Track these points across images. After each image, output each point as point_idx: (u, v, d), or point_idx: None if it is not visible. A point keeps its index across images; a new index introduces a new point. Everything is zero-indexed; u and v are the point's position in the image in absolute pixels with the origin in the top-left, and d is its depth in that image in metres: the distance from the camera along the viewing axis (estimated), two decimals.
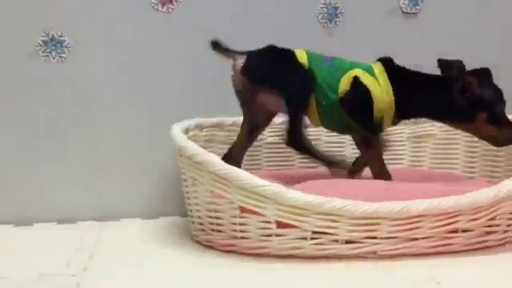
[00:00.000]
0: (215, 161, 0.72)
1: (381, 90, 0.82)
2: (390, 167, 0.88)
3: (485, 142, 0.91)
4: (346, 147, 0.99)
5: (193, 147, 0.75)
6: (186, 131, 0.88)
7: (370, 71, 0.85)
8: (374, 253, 0.71)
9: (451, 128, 0.98)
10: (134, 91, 1.00)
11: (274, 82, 0.83)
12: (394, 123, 0.85)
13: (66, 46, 0.98)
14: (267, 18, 1.03)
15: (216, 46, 0.87)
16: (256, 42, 1.05)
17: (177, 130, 0.81)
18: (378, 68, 0.85)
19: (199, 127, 0.92)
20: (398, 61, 0.90)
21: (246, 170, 0.97)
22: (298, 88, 0.82)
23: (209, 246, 0.77)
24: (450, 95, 0.80)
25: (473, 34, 1.11)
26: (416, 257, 0.71)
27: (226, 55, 0.87)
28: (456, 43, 1.11)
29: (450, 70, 0.83)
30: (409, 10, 1.07)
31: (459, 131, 0.97)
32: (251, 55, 0.85)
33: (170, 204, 0.99)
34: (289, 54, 0.85)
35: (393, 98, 0.82)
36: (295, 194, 0.69)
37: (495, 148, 0.89)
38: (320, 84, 0.83)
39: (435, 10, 1.08)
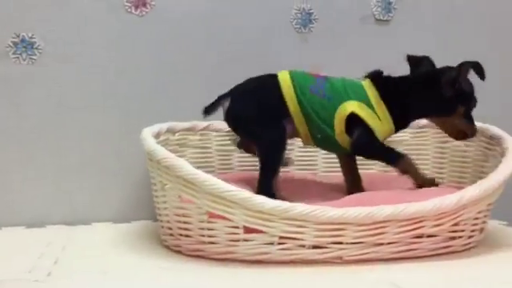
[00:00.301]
0: (183, 165, 0.72)
1: (381, 123, 0.82)
2: (361, 172, 0.89)
3: (453, 148, 0.94)
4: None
5: (161, 151, 0.75)
6: (158, 135, 0.88)
7: (366, 101, 0.83)
8: (340, 258, 0.71)
9: (421, 134, 1.02)
10: (106, 94, 0.99)
11: (250, 133, 0.83)
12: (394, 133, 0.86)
13: (36, 48, 0.97)
14: (241, 23, 1.03)
15: (207, 112, 0.86)
16: (230, 47, 1.07)
17: (146, 133, 0.81)
18: (372, 93, 0.83)
19: (171, 131, 0.92)
20: (372, 68, 0.92)
21: (219, 173, 1.01)
22: (270, 149, 0.81)
23: (177, 251, 0.77)
24: (438, 88, 0.82)
25: (445, 42, 1.14)
26: (381, 262, 0.72)
27: (217, 108, 0.86)
28: (428, 50, 1.11)
29: (419, 65, 0.86)
30: (381, 17, 1.08)
31: (429, 137, 1.00)
32: (233, 100, 0.84)
33: (143, 208, 0.99)
34: (271, 90, 0.82)
35: (392, 125, 0.83)
36: (262, 200, 0.69)
37: (462, 155, 0.92)
38: (311, 116, 0.82)
39: (408, 17, 1.10)
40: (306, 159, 1.00)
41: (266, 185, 0.80)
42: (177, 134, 0.94)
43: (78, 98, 0.98)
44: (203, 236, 0.73)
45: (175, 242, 0.77)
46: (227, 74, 1.07)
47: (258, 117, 0.82)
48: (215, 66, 1.03)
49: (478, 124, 0.89)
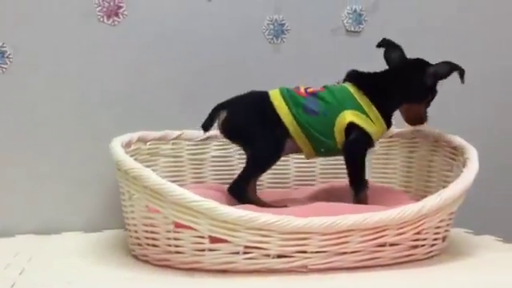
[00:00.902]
0: (150, 175, 0.73)
1: (375, 126, 0.86)
2: (331, 182, 0.92)
3: (420, 158, 0.96)
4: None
5: (129, 161, 0.75)
6: (128, 144, 0.89)
7: (359, 108, 0.86)
8: (305, 267, 0.72)
9: (391, 144, 1.03)
10: (78, 103, 1.00)
11: (244, 142, 0.86)
12: None
13: (7, 57, 0.96)
14: (214, 34, 1.05)
15: (205, 128, 0.88)
16: (202, 58, 1.07)
17: (116, 143, 0.81)
18: (362, 99, 0.86)
19: (142, 140, 0.93)
20: (342, 78, 0.94)
21: (192, 183, 1.01)
22: (263, 156, 0.84)
23: (145, 261, 0.77)
24: (421, 76, 0.88)
25: (414, 54, 1.16)
26: (345, 270, 0.73)
27: (215, 121, 0.88)
28: None
29: (394, 49, 0.93)
30: (352, 29, 1.10)
31: (397, 147, 1.01)
32: (229, 112, 0.86)
33: (115, 217, 0.98)
34: (265, 106, 0.85)
35: (384, 124, 0.86)
36: (227, 210, 0.70)
37: (429, 164, 0.93)
38: (313, 134, 0.85)
39: (378, 29, 1.12)
40: (278, 174, 1.00)
41: (244, 180, 0.84)
42: (148, 144, 0.94)
43: (48, 107, 0.98)
44: (170, 246, 0.74)
45: (143, 252, 0.77)
46: (200, 84, 1.08)
47: (257, 129, 0.84)
48: (188, 76, 1.04)
49: (441, 134, 0.92)
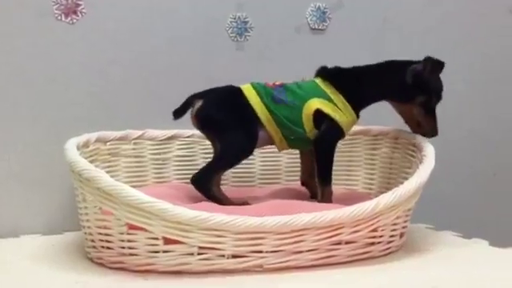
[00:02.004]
0: (102, 177, 0.71)
1: (343, 115, 0.86)
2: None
3: (382, 155, 0.97)
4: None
5: (81, 163, 0.74)
6: (86, 145, 0.87)
7: (324, 96, 0.87)
8: (261, 266, 0.72)
9: (354, 141, 1.03)
10: (35, 103, 0.97)
11: (217, 133, 0.86)
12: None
13: None
14: (176, 31, 1.03)
15: (177, 114, 0.88)
16: (164, 56, 1.06)
17: (71, 144, 0.80)
18: (328, 89, 0.87)
19: (102, 140, 0.91)
20: (307, 75, 0.93)
21: (154, 183, 1.00)
22: (236, 149, 0.84)
23: (100, 264, 0.76)
24: (402, 75, 0.87)
25: (378, 51, 1.16)
26: (301, 269, 0.73)
27: (188, 109, 0.87)
28: (362, 59, 1.15)
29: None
30: (316, 26, 1.10)
31: (360, 145, 1.02)
32: (205, 101, 0.86)
33: (75, 219, 0.96)
34: (239, 98, 0.85)
35: (354, 115, 0.87)
36: (180, 210, 0.69)
37: (390, 161, 0.94)
38: (283, 122, 0.85)
39: (342, 26, 1.12)
40: (242, 171, 1.00)
41: (210, 172, 0.83)
42: (108, 144, 0.93)
43: (5, 107, 0.96)
44: (124, 248, 0.73)
45: (98, 255, 0.76)
46: (161, 82, 1.07)
47: (231, 120, 0.85)
48: (149, 75, 1.03)
49: (402, 131, 0.92)
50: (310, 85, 0.88)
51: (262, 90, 0.87)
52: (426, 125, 0.89)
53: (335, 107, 0.86)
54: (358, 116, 0.89)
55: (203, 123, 0.87)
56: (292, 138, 0.86)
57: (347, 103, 0.86)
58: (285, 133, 0.86)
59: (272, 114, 0.85)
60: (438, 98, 0.89)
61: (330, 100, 0.86)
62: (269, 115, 0.85)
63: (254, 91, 0.86)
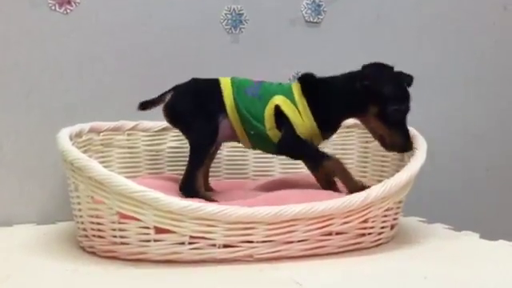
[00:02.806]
0: (94, 166, 0.72)
1: (301, 118, 0.82)
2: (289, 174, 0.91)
3: (375, 148, 0.95)
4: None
5: (73, 152, 0.74)
6: (79, 135, 0.87)
7: (291, 97, 0.85)
8: (251, 256, 0.72)
9: (348, 134, 1.03)
10: (29, 93, 0.97)
11: (184, 126, 0.86)
12: (326, 138, 0.86)
13: None
14: (171, 23, 1.03)
15: (144, 106, 0.88)
16: (159, 47, 1.06)
17: (63, 133, 0.80)
18: (297, 91, 0.85)
19: (95, 131, 0.91)
20: (301, 68, 0.94)
21: (147, 173, 1.00)
22: (199, 142, 0.83)
23: (92, 252, 0.76)
24: (352, 84, 0.81)
25: (373, 44, 1.17)
26: (292, 259, 0.73)
27: (158, 104, 0.87)
28: (357, 53, 1.15)
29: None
30: (311, 19, 1.10)
31: (354, 137, 1.02)
32: (174, 94, 0.87)
33: (68, 209, 0.96)
34: (212, 90, 0.85)
35: (313, 122, 0.83)
36: (171, 200, 0.69)
37: (383, 154, 0.92)
38: (244, 114, 0.84)
39: (337, 20, 1.13)
40: (236, 164, 1.00)
41: (191, 175, 0.83)
42: (101, 134, 0.93)
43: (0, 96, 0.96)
44: (115, 237, 0.73)
45: (89, 244, 0.76)
46: (156, 74, 1.07)
47: (193, 111, 0.84)
48: (143, 66, 1.03)
49: None
50: (285, 86, 0.88)
51: (239, 83, 0.86)
52: (389, 139, 0.82)
53: (295, 109, 0.83)
54: (322, 128, 0.83)
55: (170, 117, 0.88)
56: (252, 133, 0.84)
57: (308, 108, 0.83)
58: (246, 127, 0.84)
59: (237, 105, 0.84)
60: (400, 106, 0.81)
61: (293, 101, 0.84)
62: (233, 106, 0.84)
63: (229, 83, 0.86)
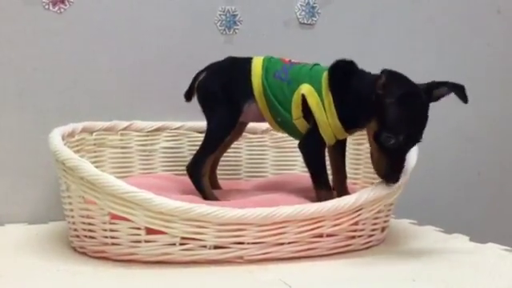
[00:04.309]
0: (86, 166, 0.72)
1: (325, 114, 0.76)
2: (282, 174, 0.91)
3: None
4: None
5: (65, 152, 0.74)
6: (72, 135, 0.87)
7: (318, 86, 0.78)
8: (242, 258, 0.73)
9: None
10: (22, 92, 0.97)
11: (208, 108, 0.84)
12: (350, 134, 0.80)
13: None
14: (165, 23, 1.03)
15: (187, 96, 0.87)
16: (152, 48, 1.06)
17: (55, 133, 0.80)
18: (325, 82, 0.78)
19: (88, 130, 0.91)
20: None
21: (140, 173, 1.00)
22: (216, 128, 0.82)
23: (82, 253, 0.76)
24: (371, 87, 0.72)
25: (367, 47, 1.18)
26: (282, 261, 0.73)
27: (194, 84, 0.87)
28: (351, 55, 1.15)
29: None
30: (305, 21, 1.11)
31: (348, 140, 0.95)
32: (207, 73, 0.86)
33: (60, 209, 0.97)
34: (243, 71, 0.82)
35: (337, 120, 0.76)
36: (163, 201, 0.70)
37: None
38: (272, 100, 0.81)
39: (331, 21, 1.13)
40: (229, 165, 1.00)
41: (200, 160, 0.82)
42: (94, 134, 0.93)
43: None
44: (106, 237, 0.73)
45: (80, 244, 0.76)
46: (149, 74, 1.07)
47: (219, 94, 0.83)
48: (137, 67, 1.02)
49: None
50: (316, 71, 0.81)
51: (270, 63, 0.83)
52: (374, 162, 0.75)
53: (321, 103, 0.76)
54: (346, 125, 0.77)
55: (199, 98, 0.86)
56: (279, 119, 0.81)
57: (333, 104, 0.76)
58: (272, 113, 0.81)
59: (265, 90, 0.81)
60: (396, 136, 0.71)
61: (320, 93, 0.77)
62: (261, 90, 0.81)
63: (260, 65, 0.83)
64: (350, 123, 0.78)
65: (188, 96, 0.87)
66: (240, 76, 0.83)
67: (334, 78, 0.79)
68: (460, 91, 0.77)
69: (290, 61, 0.85)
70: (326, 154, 0.84)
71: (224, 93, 0.83)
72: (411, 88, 0.73)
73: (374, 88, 0.72)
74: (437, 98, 0.78)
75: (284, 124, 0.82)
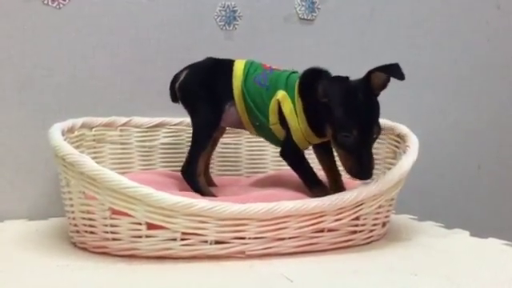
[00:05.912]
0: (86, 162, 0.71)
1: (297, 120, 0.78)
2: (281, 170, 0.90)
3: None
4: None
5: (65, 147, 0.74)
6: (71, 130, 0.87)
7: (292, 93, 0.80)
8: (243, 253, 0.72)
9: None
10: (22, 88, 0.97)
11: (191, 107, 0.85)
12: (322, 138, 0.80)
13: None
14: (164, 19, 1.03)
15: (172, 98, 0.88)
16: (152, 43, 1.06)
17: (55, 128, 0.79)
18: (297, 88, 0.80)
19: (87, 126, 0.91)
20: (295, 66, 0.93)
21: (140, 169, 1.00)
22: (201, 126, 0.83)
23: (83, 248, 0.76)
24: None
25: (366, 42, 1.17)
26: (283, 256, 0.73)
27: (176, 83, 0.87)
28: (350, 50, 1.16)
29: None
30: (305, 17, 1.10)
31: None
32: (188, 72, 0.86)
33: (60, 205, 0.96)
34: (224, 73, 0.83)
35: (307, 126, 0.78)
36: (163, 196, 0.69)
37: (375, 152, 0.86)
38: (251, 105, 0.82)
39: (331, 17, 1.13)
40: (229, 161, 1.00)
41: (193, 160, 0.83)
42: (94, 130, 0.92)
43: None
44: (107, 233, 0.73)
45: (81, 239, 0.76)
46: (148, 70, 1.07)
47: (202, 93, 0.84)
48: (136, 62, 1.02)
49: (386, 122, 0.88)
50: (292, 78, 0.83)
51: (251, 67, 0.84)
52: (343, 164, 0.75)
53: (293, 109, 0.78)
54: (315, 132, 0.78)
55: (180, 95, 0.87)
56: (257, 124, 0.82)
57: (303, 111, 0.78)
58: (250, 117, 0.83)
59: (244, 94, 0.82)
60: (352, 132, 0.72)
61: (293, 99, 0.80)
62: (241, 95, 0.83)
63: (242, 68, 0.84)
64: (317, 129, 0.80)
65: (173, 97, 0.88)
66: (221, 77, 0.85)
67: (304, 86, 0.81)
68: (393, 70, 0.75)
69: (270, 67, 0.87)
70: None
71: (205, 91, 0.84)
72: (347, 86, 0.74)
73: (319, 95, 0.74)
74: (381, 86, 0.75)
75: (261, 129, 0.84)
